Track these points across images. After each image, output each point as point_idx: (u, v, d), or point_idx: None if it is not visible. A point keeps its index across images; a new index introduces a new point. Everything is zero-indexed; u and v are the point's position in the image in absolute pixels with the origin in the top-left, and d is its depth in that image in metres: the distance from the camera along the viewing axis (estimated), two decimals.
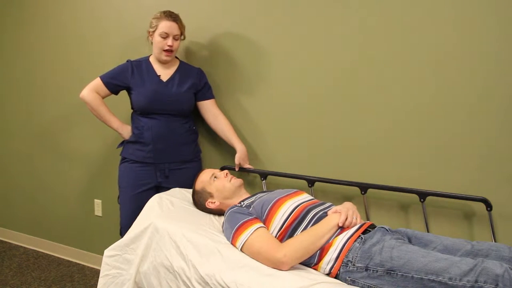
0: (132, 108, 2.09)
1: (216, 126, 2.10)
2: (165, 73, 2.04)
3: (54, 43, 2.74)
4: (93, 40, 2.57)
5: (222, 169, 2.06)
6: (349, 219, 1.44)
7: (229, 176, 1.78)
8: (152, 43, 2.01)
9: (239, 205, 1.64)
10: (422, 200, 1.70)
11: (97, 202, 2.70)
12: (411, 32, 1.71)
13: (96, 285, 1.85)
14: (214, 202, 1.75)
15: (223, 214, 1.74)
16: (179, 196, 1.88)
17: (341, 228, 1.44)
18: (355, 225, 1.46)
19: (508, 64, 1.57)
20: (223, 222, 1.62)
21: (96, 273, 2.63)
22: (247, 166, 2.06)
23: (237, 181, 1.76)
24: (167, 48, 1.95)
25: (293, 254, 1.35)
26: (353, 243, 1.39)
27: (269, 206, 1.55)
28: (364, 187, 1.80)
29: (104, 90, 2.03)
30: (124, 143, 2.09)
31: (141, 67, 2.05)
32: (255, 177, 2.14)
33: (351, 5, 1.82)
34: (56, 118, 2.81)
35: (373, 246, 1.35)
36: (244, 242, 1.43)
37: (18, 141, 3.03)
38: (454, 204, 1.70)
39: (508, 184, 1.60)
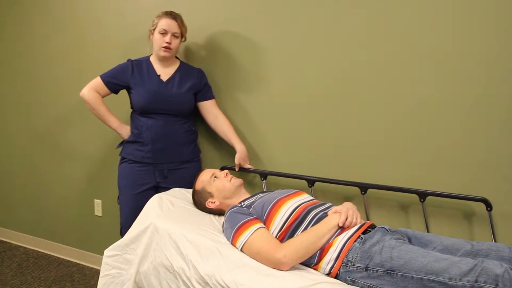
0: (131, 107, 2.09)
1: (217, 126, 2.10)
2: (165, 73, 2.04)
3: (54, 43, 2.74)
4: (94, 40, 2.57)
5: (222, 169, 2.06)
6: (349, 219, 1.44)
7: (229, 176, 1.78)
8: (153, 42, 2.02)
9: (240, 205, 1.64)
10: (422, 200, 1.70)
11: (97, 202, 2.70)
12: (411, 32, 1.71)
13: (96, 285, 1.84)
14: (214, 202, 1.75)
15: (223, 214, 1.75)
16: (179, 196, 1.88)
17: (341, 228, 1.44)
18: (355, 225, 1.46)
19: (508, 64, 1.57)
20: (223, 222, 1.62)
21: (96, 273, 2.63)
22: (247, 166, 2.06)
23: (237, 181, 1.76)
24: (165, 44, 1.95)
25: (293, 254, 1.35)
26: (353, 243, 1.39)
27: (270, 207, 1.55)
28: (364, 187, 1.80)
29: (104, 89, 2.03)
30: (123, 143, 2.09)
31: (141, 66, 2.05)
32: (255, 177, 2.14)
33: (352, 5, 1.82)
34: (56, 118, 2.81)
35: (373, 246, 1.35)
36: (244, 242, 1.43)
37: (18, 141, 3.03)
38: (454, 204, 1.70)
39: (508, 184, 1.60)
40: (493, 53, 1.59)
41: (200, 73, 2.11)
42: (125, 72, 2.03)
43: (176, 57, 2.11)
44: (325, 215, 1.50)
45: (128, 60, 2.07)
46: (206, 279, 1.39)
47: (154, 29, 1.99)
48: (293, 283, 1.27)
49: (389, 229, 1.49)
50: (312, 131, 1.96)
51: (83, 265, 2.77)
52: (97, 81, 2.03)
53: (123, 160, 2.08)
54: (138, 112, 2.03)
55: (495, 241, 1.60)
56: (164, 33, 1.95)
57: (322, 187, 1.95)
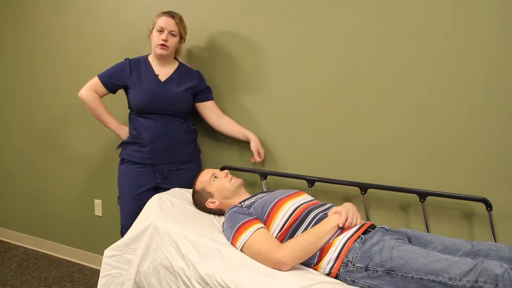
0: (129, 107, 2.08)
1: (221, 123, 2.10)
2: (163, 73, 2.04)
3: (54, 43, 2.74)
4: (93, 40, 2.57)
5: (222, 169, 2.06)
6: (349, 220, 1.44)
7: (229, 176, 1.78)
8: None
9: (240, 205, 1.64)
10: (422, 200, 1.70)
11: (97, 202, 2.70)
12: (411, 32, 1.71)
13: (96, 285, 1.84)
14: (214, 202, 1.75)
15: (223, 214, 1.75)
16: (179, 196, 1.88)
17: (341, 229, 1.44)
18: (355, 225, 1.46)
19: (508, 64, 1.56)
20: (223, 222, 1.62)
21: (96, 273, 2.63)
22: (261, 151, 2.02)
23: (237, 181, 1.76)
24: (161, 42, 1.94)
25: (293, 255, 1.35)
26: (353, 243, 1.39)
27: (270, 207, 1.55)
28: (364, 187, 1.80)
29: (102, 89, 2.02)
30: (122, 144, 2.09)
31: (139, 66, 2.04)
32: (255, 177, 2.14)
33: (352, 5, 1.82)
34: (56, 118, 2.81)
35: (373, 246, 1.35)
36: (244, 243, 1.43)
37: (18, 141, 3.03)
38: (454, 204, 1.70)
39: (508, 184, 1.60)
40: (493, 52, 1.58)
41: (199, 75, 2.11)
42: (123, 72, 2.02)
43: (176, 59, 2.11)
44: (325, 215, 1.50)
45: (125, 59, 2.06)
46: (206, 279, 1.39)
47: (152, 28, 1.99)
48: (293, 283, 1.28)
49: (389, 229, 1.49)
50: (312, 131, 1.96)
51: (83, 265, 2.77)
52: (95, 81, 2.02)
53: (122, 161, 2.08)
54: (136, 112, 2.03)
55: (495, 241, 1.60)
56: (161, 30, 1.95)
57: (322, 187, 1.95)
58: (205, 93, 2.10)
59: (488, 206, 1.59)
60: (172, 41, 1.98)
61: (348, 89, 1.86)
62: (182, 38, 2.03)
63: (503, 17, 1.56)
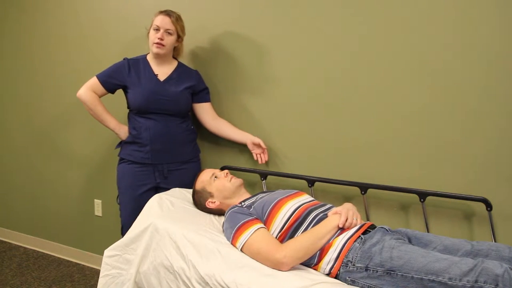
0: (128, 107, 2.07)
1: (218, 125, 2.10)
2: (162, 73, 2.03)
3: (54, 43, 2.74)
4: (93, 40, 2.57)
5: (222, 169, 2.06)
6: (349, 220, 1.44)
7: (229, 176, 1.78)
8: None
9: (240, 205, 1.64)
10: (422, 200, 1.70)
11: (97, 202, 2.70)
12: (411, 32, 1.71)
13: (96, 285, 1.85)
14: (214, 202, 1.75)
15: (223, 214, 1.75)
16: (179, 196, 1.88)
17: (341, 229, 1.44)
18: (355, 226, 1.46)
19: (508, 65, 1.56)
20: (223, 222, 1.62)
21: (96, 273, 2.63)
22: (259, 141, 2.03)
23: (237, 181, 1.76)
24: (157, 40, 1.94)
25: (293, 255, 1.35)
26: (353, 243, 1.39)
27: (270, 207, 1.55)
28: (364, 187, 1.81)
29: (100, 89, 2.02)
30: (121, 143, 2.09)
31: (138, 65, 2.03)
32: (255, 177, 2.14)
33: (353, 5, 1.82)
34: (56, 118, 2.81)
35: (373, 246, 1.35)
36: (244, 243, 1.43)
37: (18, 141, 3.03)
38: (454, 204, 1.70)
39: (508, 184, 1.60)
40: (493, 53, 1.58)
41: (198, 75, 2.11)
42: (121, 71, 2.01)
43: (175, 58, 2.11)
44: (326, 216, 1.50)
45: (124, 59, 2.06)
46: (206, 279, 1.39)
47: (150, 27, 1.98)
48: (293, 283, 1.28)
49: (389, 229, 1.49)
50: (312, 131, 1.96)
51: (83, 265, 2.77)
52: (94, 81, 2.02)
53: (121, 160, 2.07)
54: (136, 112, 2.02)
55: (495, 241, 1.60)
56: (157, 29, 1.94)
57: (322, 187, 1.95)
58: (203, 94, 2.10)
59: (488, 206, 1.59)
60: (169, 40, 1.97)
61: (348, 89, 1.86)
62: (179, 37, 2.02)
63: (503, 17, 1.56)
